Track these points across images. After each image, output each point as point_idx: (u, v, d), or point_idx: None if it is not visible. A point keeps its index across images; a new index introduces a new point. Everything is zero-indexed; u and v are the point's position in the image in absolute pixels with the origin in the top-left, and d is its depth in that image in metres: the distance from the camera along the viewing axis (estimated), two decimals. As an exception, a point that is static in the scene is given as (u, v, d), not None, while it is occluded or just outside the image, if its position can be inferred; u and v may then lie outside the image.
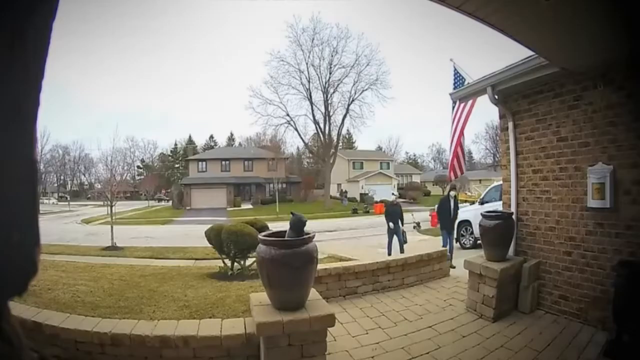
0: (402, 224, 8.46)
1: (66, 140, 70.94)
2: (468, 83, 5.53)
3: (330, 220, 20.94)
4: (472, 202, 13.89)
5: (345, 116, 32.24)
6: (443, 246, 6.63)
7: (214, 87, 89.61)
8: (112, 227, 10.58)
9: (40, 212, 0.36)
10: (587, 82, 3.28)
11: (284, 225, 2.86)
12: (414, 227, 14.57)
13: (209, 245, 6.47)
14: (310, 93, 32.01)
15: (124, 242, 10.47)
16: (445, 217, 7.36)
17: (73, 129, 80.00)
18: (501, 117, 4.26)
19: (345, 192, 34.97)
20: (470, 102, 5.85)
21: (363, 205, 27.93)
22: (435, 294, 4.28)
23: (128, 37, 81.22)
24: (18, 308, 2.76)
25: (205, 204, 30.67)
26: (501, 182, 4.72)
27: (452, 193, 7.43)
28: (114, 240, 9.93)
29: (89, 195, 46.62)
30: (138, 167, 55.29)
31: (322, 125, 32.41)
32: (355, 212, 25.49)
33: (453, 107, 6.44)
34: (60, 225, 19.18)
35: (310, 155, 43.51)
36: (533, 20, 2.31)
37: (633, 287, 2.61)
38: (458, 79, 6.64)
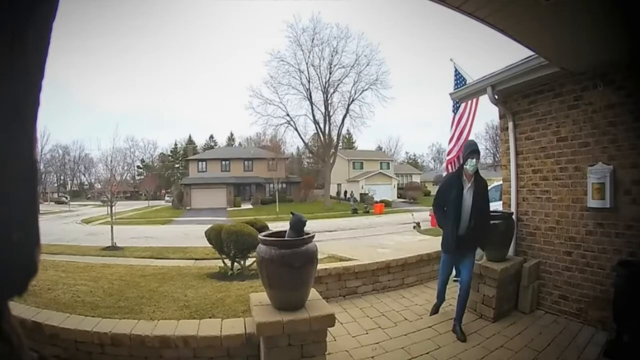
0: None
1: (66, 140, 70.96)
2: (468, 83, 5.54)
3: (330, 220, 20.93)
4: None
5: (345, 116, 32.29)
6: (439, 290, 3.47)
7: (214, 87, 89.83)
8: (112, 227, 10.57)
9: (40, 212, 0.36)
10: (587, 82, 3.29)
11: (284, 225, 2.86)
12: (414, 227, 14.63)
13: (209, 245, 6.46)
14: (310, 93, 32.06)
15: (124, 242, 10.46)
16: (448, 218, 3.26)
17: (73, 129, 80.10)
18: (501, 117, 4.26)
19: (346, 192, 35.03)
20: (474, 101, 5.86)
21: (363, 205, 27.93)
22: (435, 294, 4.28)
23: (128, 37, 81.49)
24: (18, 308, 2.77)
25: (205, 204, 30.67)
26: (501, 182, 4.72)
27: (472, 165, 3.20)
28: (114, 240, 9.92)
29: (89, 195, 46.62)
30: (138, 167, 55.32)
31: (322, 125, 32.45)
32: (355, 212, 25.49)
33: (456, 107, 6.40)
34: (60, 225, 19.18)
35: (310, 155, 43.54)
36: (533, 20, 2.32)
37: (633, 287, 2.62)
38: (459, 79, 6.63)
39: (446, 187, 3.37)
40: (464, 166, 3.27)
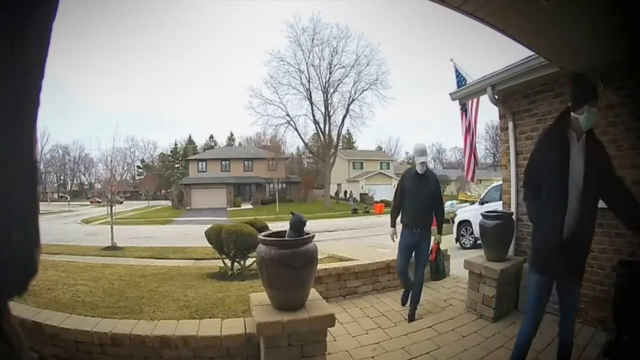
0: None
1: (66, 140, 70.94)
2: (468, 83, 5.53)
3: (330, 220, 20.94)
4: (472, 202, 13.91)
5: (345, 116, 32.34)
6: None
7: (214, 87, 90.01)
8: (112, 227, 10.57)
9: (40, 212, 0.36)
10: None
11: (284, 225, 2.86)
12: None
13: (209, 245, 6.46)
14: (310, 93, 32.12)
15: (124, 242, 10.46)
16: (546, 205, 2.03)
17: (73, 129, 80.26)
18: (501, 117, 4.26)
19: (346, 191, 35.06)
20: (475, 101, 5.81)
21: (363, 205, 27.94)
22: (435, 294, 4.28)
23: (128, 37, 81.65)
24: (18, 308, 2.76)
25: (205, 204, 30.68)
26: (501, 182, 4.72)
27: (591, 116, 1.96)
28: (114, 240, 9.92)
29: (89, 195, 46.65)
30: (138, 167, 55.35)
31: (322, 125, 32.48)
32: (355, 212, 25.50)
33: (464, 109, 6.25)
34: (60, 225, 19.18)
35: (310, 155, 43.53)
36: (533, 20, 2.31)
37: (633, 287, 2.61)
38: (459, 79, 6.61)
39: (544, 150, 2.02)
40: (576, 115, 1.96)
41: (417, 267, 3.66)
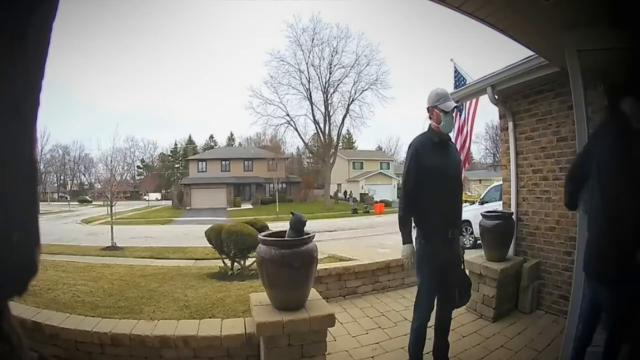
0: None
1: (66, 140, 70.99)
2: (468, 83, 5.53)
3: (330, 220, 20.94)
4: (472, 202, 13.91)
5: (345, 116, 32.39)
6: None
7: (214, 87, 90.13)
8: (112, 227, 10.57)
9: (40, 212, 0.36)
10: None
11: (284, 225, 2.86)
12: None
13: (209, 245, 6.47)
14: (310, 93, 32.15)
15: (124, 242, 10.47)
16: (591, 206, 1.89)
17: (73, 129, 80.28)
18: (501, 117, 4.26)
19: (346, 191, 35.08)
20: (474, 101, 5.80)
21: (363, 205, 27.95)
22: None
23: (128, 37, 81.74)
24: (18, 308, 2.76)
25: (205, 204, 30.69)
26: (501, 182, 4.72)
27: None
28: (114, 240, 9.92)
29: (89, 195, 46.64)
30: (138, 167, 55.38)
31: (322, 125, 32.50)
32: (355, 212, 25.50)
33: (459, 110, 6.21)
34: (60, 225, 19.18)
35: (310, 155, 43.56)
36: (533, 20, 2.32)
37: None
38: (459, 79, 6.62)
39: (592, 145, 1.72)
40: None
41: (443, 299, 2.37)
